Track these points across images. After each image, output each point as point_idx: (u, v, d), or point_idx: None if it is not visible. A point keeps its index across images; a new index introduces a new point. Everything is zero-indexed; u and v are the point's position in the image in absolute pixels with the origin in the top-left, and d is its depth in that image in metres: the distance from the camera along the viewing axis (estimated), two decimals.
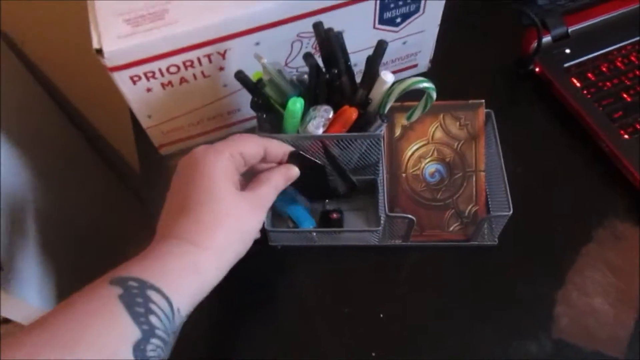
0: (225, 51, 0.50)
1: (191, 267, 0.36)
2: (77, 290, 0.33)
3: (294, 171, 0.45)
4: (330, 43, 0.44)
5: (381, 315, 0.50)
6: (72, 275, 0.74)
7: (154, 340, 0.31)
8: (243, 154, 0.41)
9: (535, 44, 0.62)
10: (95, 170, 0.95)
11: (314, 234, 0.52)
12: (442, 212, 0.54)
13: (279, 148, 0.44)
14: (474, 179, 0.54)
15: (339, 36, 0.44)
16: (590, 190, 0.57)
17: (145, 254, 0.36)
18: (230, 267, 0.39)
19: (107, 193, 0.98)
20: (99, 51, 0.45)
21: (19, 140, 0.69)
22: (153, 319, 0.32)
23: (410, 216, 0.48)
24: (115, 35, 0.46)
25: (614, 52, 0.64)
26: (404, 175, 0.54)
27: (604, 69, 0.63)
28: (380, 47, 0.44)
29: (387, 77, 0.43)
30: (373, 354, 0.48)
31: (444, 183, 0.54)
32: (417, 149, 0.54)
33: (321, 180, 0.49)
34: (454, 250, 0.53)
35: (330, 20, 0.47)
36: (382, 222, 0.50)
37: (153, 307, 0.32)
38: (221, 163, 0.40)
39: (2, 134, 0.65)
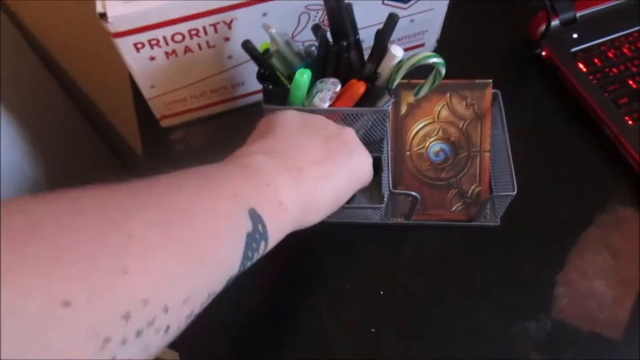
0: (231, 21, 0.49)
1: (293, 227, 0.37)
2: None
3: None
4: (340, 14, 0.43)
5: (381, 292, 0.50)
6: None
7: (233, 278, 0.32)
8: None
9: (543, 28, 0.62)
10: (94, 147, 0.94)
11: None
12: (445, 191, 0.53)
13: None
14: (478, 159, 0.53)
15: (349, 8, 0.43)
16: (593, 175, 0.57)
17: (268, 184, 0.35)
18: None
19: (105, 170, 0.97)
20: (103, 15, 0.44)
21: (16, 113, 0.68)
22: (248, 264, 0.32)
23: (414, 193, 0.48)
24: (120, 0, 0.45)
25: (621, 38, 0.64)
26: (408, 153, 0.54)
27: (610, 55, 0.62)
28: (391, 20, 0.43)
29: (397, 51, 0.42)
30: (372, 330, 0.48)
31: (448, 162, 0.53)
32: (422, 128, 0.54)
33: None
34: (456, 230, 0.53)
35: None
36: (385, 199, 0.50)
37: (256, 256, 0.33)
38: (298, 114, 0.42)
39: (1, 107, 0.64)
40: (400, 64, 0.44)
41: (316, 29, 0.45)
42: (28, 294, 0.19)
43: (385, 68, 0.44)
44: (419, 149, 0.54)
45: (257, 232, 0.32)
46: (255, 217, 0.32)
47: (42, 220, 0.22)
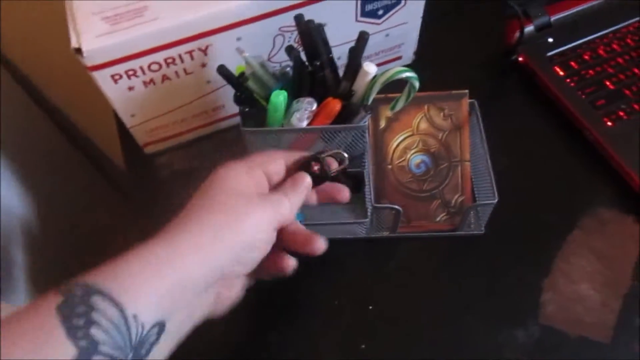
0: (207, 47, 0.50)
1: (156, 261, 0.30)
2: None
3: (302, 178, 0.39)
4: (311, 35, 0.44)
5: (370, 307, 0.50)
6: (61, 277, 0.73)
7: (97, 358, 0.26)
8: (265, 171, 0.38)
9: (518, 34, 0.62)
10: (81, 171, 0.94)
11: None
12: (429, 202, 0.54)
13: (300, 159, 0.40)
14: (459, 169, 0.54)
15: (320, 28, 0.44)
16: (575, 178, 0.57)
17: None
18: (225, 263, 0.34)
19: (93, 193, 0.97)
20: (78, 50, 0.45)
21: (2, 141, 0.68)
22: (95, 331, 0.26)
23: (396, 206, 0.48)
24: (94, 34, 0.45)
25: (596, 40, 0.64)
26: (389, 166, 0.54)
27: (586, 57, 0.63)
28: (362, 38, 0.44)
29: (370, 68, 0.43)
30: (363, 346, 0.48)
31: (430, 174, 0.54)
32: (402, 141, 0.54)
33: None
34: (442, 240, 0.53)
35: (311, 14, 0.47)
36: (369, 213, 0.50)
37: (96, 316, 0.27)
38: (235, 175, 0.36)
39: None
40: (374, 80, 0.44)
41: (289, 50, 0.45)
42: None
43: (360, 85, 0.45)
44: (400, 161, 0.54)
45: (73, 297, 0.27)
46: (67, 289, 0.28)
47: None
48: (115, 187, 1.03)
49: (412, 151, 0.54)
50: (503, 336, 0.48)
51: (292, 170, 0.40)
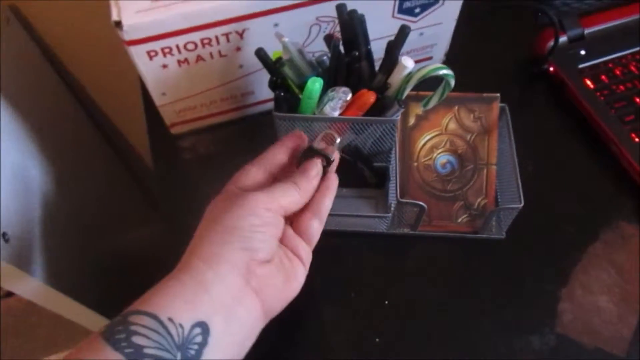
0: (243, 31, 0.50)
1: (176, 274, 0.33)
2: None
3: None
4: (352, 25, 0.44)
5: (386, 302, 0.50)
6: (77, 254, 0.73)
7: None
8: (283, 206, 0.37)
9: (551, 44, 0.62)
10: (102, 152, 0.95)
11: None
12: (452, 203, 0.54)
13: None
14: (484, 172, 0.54)
15: (362, 19, 0.44)
16: (599, 191, 0.57)
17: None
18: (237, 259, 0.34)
19: (113, 174, 0.98)
20: (118, 24, 0.45)
21: (25, 116, 0.69)
22: (136, 338, 0.29)
23: (421, 203, 0.48)
24: (135, 9, 0.46)
25: (628, 56, 0.64)
26: (415, 164, 0.54)
27: (617, 72, 0.63)
28: (403, 32, 0.44)
29: (408, 62, 0.43)
30: (377, 340, 0.48)
31: (455, 174, 0.54)
32: (429, 139, 0.54)
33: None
34: (462, 242, 0.53)
35: (349, 7, 0.47)
36: (392, 208, 0.50)
37: (134, 328, 0.29)
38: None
39: (9, 109, 0.65)
40: (410, 75, 0.44)
41: (329, 39, 0.45)
42: None
43: (395, 79, 0.45)
44: (426, 160, 0.54)
45: (111, 326, 0.30)
46: (111, 324, 0.30)
47: None
48: (134, 171, 1.04)
49: (439, 151, 0.54)
50: (518, 342, 0.48)
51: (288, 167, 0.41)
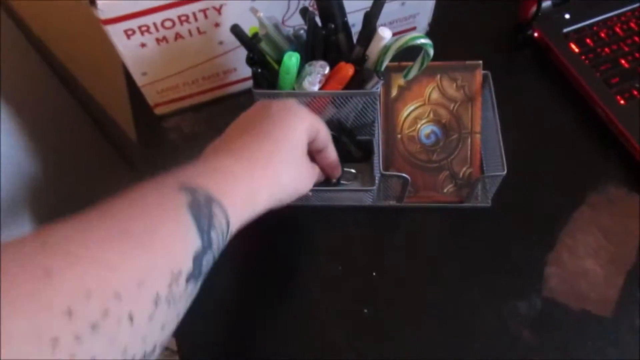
0: (221, 6, 0.49)
1: (250, 193, 0.36)
2: None
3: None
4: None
5: (374, 274, 0.50)
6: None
7: (209, 256, 0.31)
8: (319, 132, 0.42)
9: (534, 9, 0.62)
10: (90, 136, 0.94)
11: (310, 192, 0.52)
12: (437, 173, 0.54)
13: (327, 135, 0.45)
14: (469, 140, 0.54)
15: None
16: (585, 155, 0.57)
17: (204, 164, 0.36)
18: (263, 212, 0.38)
19: (100, 159, 0.97)
20: (92, 2, 0.44)
21: (11, 101, 0.68)
22: (213, 234, 0.31)
23: (405, 175, 0.48)
24: None
25: (613, 18, 0.63)
26: (399, 136, 0.54)
27: (602, 35, 0.62)
28: (378, 2, 0.43)
29: (385, 33, 0.42)
30: (365, 311, 0.49)
31: (439, 144, 0.54)
32: (413, 110, 0.54)
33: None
34: (448, 212, 0.53)
35: None
36: (377, 181, 0.50)
37: (215, 222, 0.31)
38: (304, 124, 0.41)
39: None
40: (388, 46, 0.44)
41: (304, 12, 0.45)
42: None
43: (373, 50, 0.45)
44: (410, 131, 0.54)
45: (199, 201, 0.31)
46: (190, 189, 0.31)
47: None
48: (121, 149, 1.03)
49: (423, 121, 0.54)
50: (506, 308, 0.49)
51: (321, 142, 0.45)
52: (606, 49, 0.61)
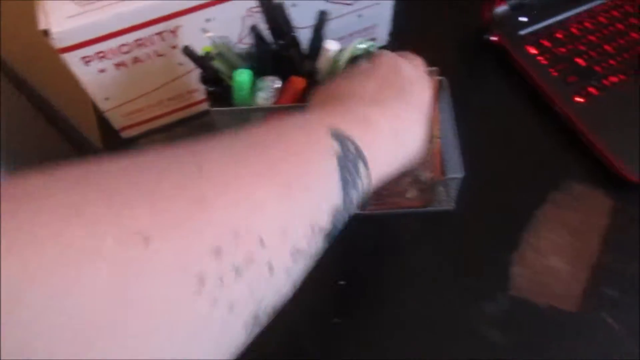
0: (176, 28, 0.50)
1: (391, 153, 0.33)
2: None
3: None
4: (274, 14, 0.44)
5: (341, 283, 0.51)
6: None
7: (344, 215, 0.29)
8: None
9: (491, 13, 0.63)
10: (61, 152, 0.95)
11: None
12: (401, 179, 0.54)
13: None
14: (429, 146, 0.54)
15: (279, 7, 0.44)
16: (547, 154, 0.58)
17: (348, 110, 0.32)
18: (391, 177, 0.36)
19: None
20: (46, 32, 0.46)
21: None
22: (354, 193, 0.29)
23: None
24: (64, 15, 0.46)
25: (569, 18, 0.65)
26: None
27: (559, 35, 0.63)
28: (321, 17, 0.44)
29: (331, 45, 0.44)
30: (335, 320, 0.49)
31: None
32: None
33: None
34: (413, 217, 0.54)
35: None
36: None
37: (358, 181, 0.29)
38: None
39: None
40: (338, 56, 0.45)
41: (252, 29, 0.46)
42: (98, 233, 0.17)
43: (323, 62, 0.46)
44: None
45: (348, 153, 0.28)
46: (340, 137, 0.29)
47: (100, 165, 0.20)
48: None
49: None
50: (473, 309, 0.49)
51: None
52: (562, 49, 0.62)
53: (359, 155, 0.29)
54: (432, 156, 0.54)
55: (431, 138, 0.53)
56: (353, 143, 0.29)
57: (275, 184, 0.24)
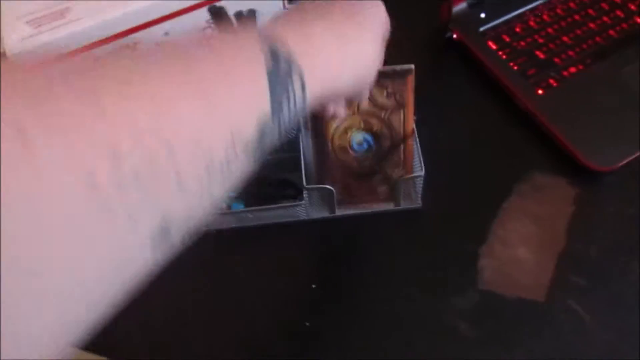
0: (135, 44, 0.50)
1: (337, 66, 0.32)
2: None
3: None
4: (225, 24, 0.45)
5: (313, 286, 0.51)
6: None
7: (273, 128, 0.27)
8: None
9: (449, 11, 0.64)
10: None
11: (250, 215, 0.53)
12: (372, 179, 0.54)
13: None
14: (402, 145, 0.54)
15: (226, 15, 0.45)
16: (511, 147, 0.59)
17: (290, 24, 0.31)
18: (343, 92, 0.35)
19: None
20: (3, 55, 0.46)
21: None
22: (285, 104, 0.27)
23: (328, 187, 0.49)
24: (18, 37, 0.46)
25: (527, 12, 0.66)
26: (330, 147, 0.54)
27: (518, 29, 0.65)
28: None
29: None
30: (307, 324, 0.49)
31: (372, 151, 0.54)
32: (343, 121, 0.54)
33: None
34: (383, 216, 0.55)
35: (240, 5, 0.48)
36: (304, 194, 0.51)
37: (291, 92, 0.27)
38: None
39: None
40: None
41: None
42: None
43: None
44: (342, 142, 0.54)
45: (280, 62, 0.27)
46: (272, 46, 0.27)
47: None
48: None
49: (353, 131, 0.53)
50: (443, 304, 0.50)
51: None
52: (522, 43, 0.63)
53: (293, 65, 0.27)
54: (406, 153, 0.53)
55: (408, 134, 0.53)
56: (287, 53, 0.27)
57: (191, 87, 0.22)
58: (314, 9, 0.34)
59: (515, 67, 0.61)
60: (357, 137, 0.55)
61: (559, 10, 0.65)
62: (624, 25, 0.63)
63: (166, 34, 0.51)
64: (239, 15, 0.48)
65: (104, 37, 0.48)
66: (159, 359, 0.49)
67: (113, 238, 0.19)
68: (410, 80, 0.53)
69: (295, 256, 0.54)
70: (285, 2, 0.55)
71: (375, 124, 0.55)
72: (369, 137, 0.55)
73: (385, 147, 0.54)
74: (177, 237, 0.22)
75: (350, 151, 0.55)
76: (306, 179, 0.51)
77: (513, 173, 0.57)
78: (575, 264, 0.51)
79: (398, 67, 0.53)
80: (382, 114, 0.54)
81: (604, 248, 0.51)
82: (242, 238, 0.55)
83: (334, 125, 0.55)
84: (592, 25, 0.64)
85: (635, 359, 0.46)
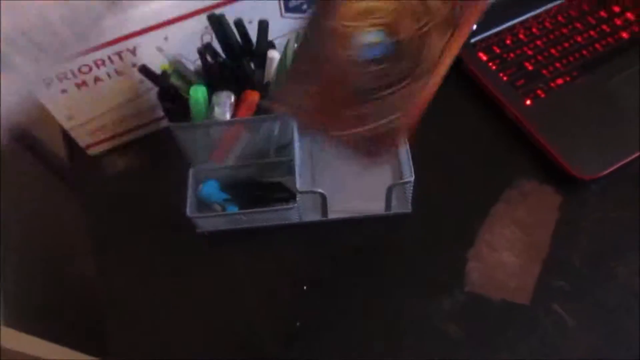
0: (134, 48, 0.52)
1: None
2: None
3: None
4: (223, 31, 0.46)
5: (304, 287, 0.52)
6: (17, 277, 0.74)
7: None
8: None
9: None
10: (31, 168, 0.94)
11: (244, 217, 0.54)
12: (363, 105, 0.38)
13: None
14: (425, 78, 0.38)
15: (225, 23, 0.46)
16: (499, 155, 0.60)
17: None
18: None
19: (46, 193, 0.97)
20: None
21: None
22: None
23: (320, 190, 0.51)
24: None
25: (517, 25, 0.68)
26: (334, 31, 0.34)
27: (508, 41, 0.66)
28: (262, 26, 0.46)
29: (273, 54, 0.45)
30: (298, 324, 0.50)
31: (381, 66, 0.36)
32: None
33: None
34: (372, 221, 0.56)
35: (237, 13, 0.49)
36: (297, 197, 0.53)
37: None
38: None
39: None
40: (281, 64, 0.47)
41: (204, 49, 0.48)
42: None
43: (270, 72, 0.48)
44: (352, 28, 0.35)
45: None
46: None
47: None
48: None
49: (369, 25, 0.35)
50: (431, 306, 0.51)
51: None
52: (511, 54, 0.65)
53: None
54: (422, 95, 0.39)
55: (442, 66, 0.38)
56: None
57: None
58: None
59: (505, 78, 0.63)
60: (371, 37, 0.35)
61: (547, 24, 0.67)
62: (610, 39, 0.65)
63: (165, 39, 0.52)
64: (238, 22, 0.49)
65: (104, 41, 0.50)
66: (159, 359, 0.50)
67: None
68: (480, 7, 0.36)
69: (287, 258, 0.55)
70: (283, 9, 0.57)
71: (406, 30, 0.35)
72: (389, 43, 0.35)
73: (403, 69, 0.37)
74: None
75: (351, 50, 0.35)
76: (299, 183, 0.52)
77: (501, 180, 0.58)
78: (560, 269, 0.52)
79: None
80: (423, 21, 0.35)
81: (587, 253, 0.53)
82: (235, 240, 0.56)
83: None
84: (579, 38, 0.66)
85: None
